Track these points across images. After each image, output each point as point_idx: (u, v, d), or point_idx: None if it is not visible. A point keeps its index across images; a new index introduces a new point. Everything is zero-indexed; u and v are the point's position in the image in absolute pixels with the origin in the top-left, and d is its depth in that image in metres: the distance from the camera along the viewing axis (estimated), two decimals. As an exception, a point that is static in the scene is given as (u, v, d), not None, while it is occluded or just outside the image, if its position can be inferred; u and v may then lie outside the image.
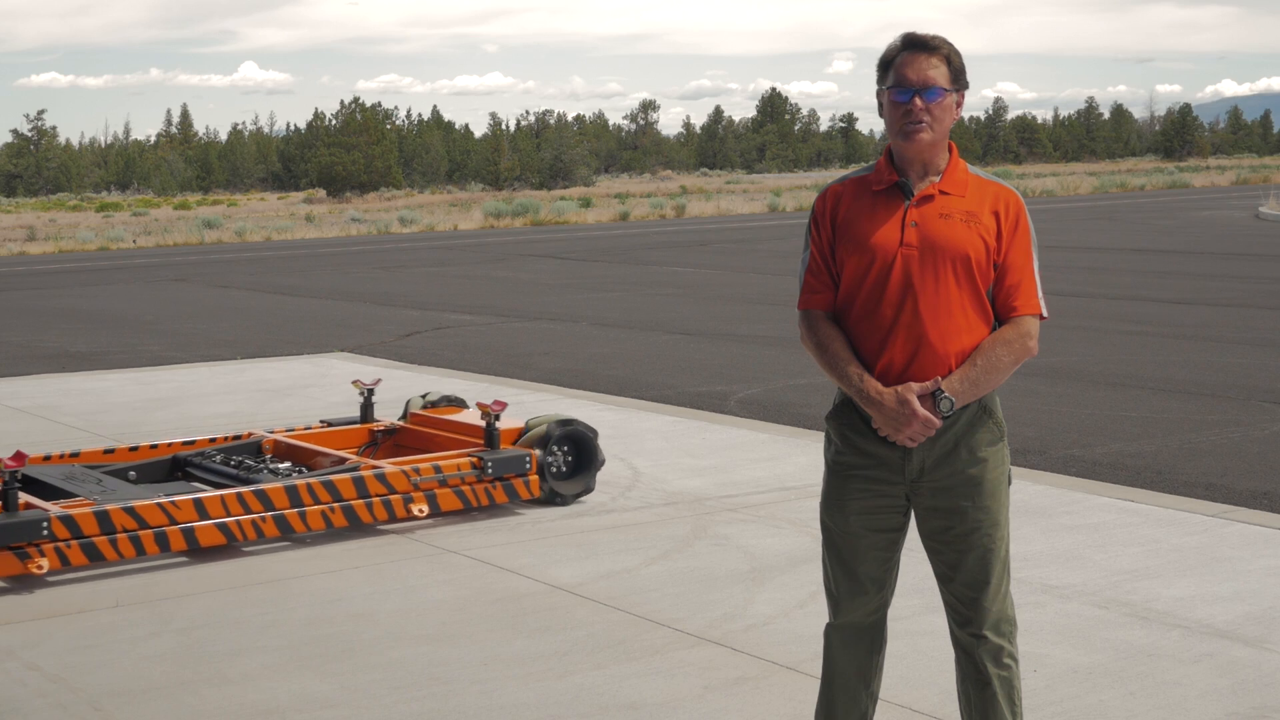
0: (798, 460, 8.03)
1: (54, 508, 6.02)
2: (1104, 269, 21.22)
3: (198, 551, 6.27)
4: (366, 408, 7.84)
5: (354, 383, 8.01)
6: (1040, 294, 3.40)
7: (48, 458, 7.14)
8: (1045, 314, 3.40)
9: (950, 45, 3.38)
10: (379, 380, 8.21)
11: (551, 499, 7.04)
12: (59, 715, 4.45)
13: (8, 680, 4.75)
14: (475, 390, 10.72)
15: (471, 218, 45.21)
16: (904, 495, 3.42)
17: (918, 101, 3.30)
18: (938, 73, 3.33)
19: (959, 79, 3.37)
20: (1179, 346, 12.88)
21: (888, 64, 3.38)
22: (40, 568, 5.77)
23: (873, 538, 3.45)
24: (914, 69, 3.32)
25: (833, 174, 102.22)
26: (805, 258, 3.51)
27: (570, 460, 7.13)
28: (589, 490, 7.16)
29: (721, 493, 7.28)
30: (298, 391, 10.98)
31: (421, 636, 5.14)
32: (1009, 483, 3.45)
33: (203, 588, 5.80)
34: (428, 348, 14.00)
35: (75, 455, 7.23)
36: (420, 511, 6.64)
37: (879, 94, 3.41)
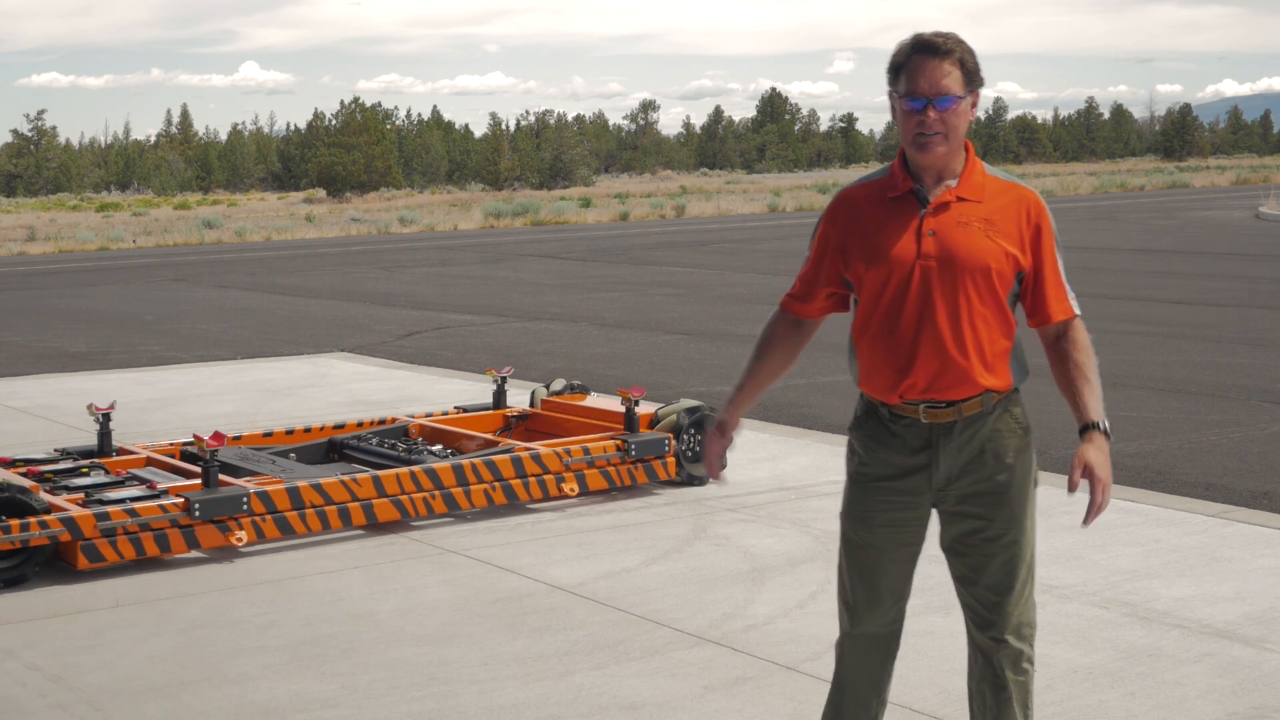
0: (798, 460, 8.04)
1: (251, 484, 6.37)
2: (1104, 269, 21.21)
3: (375, 526, 6.62)
4: (499, 394, 8.25)
5: (488, 370, 8.45)
6: (1070, 294, 3.34)
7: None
8: (1077, 312, 3.35)
9: (962, 45, 3.24)
10: (511, 370, 8.55)
11: (689, 481, 7.39)
12: (59, 715, 4.45)
13: (8, 680, 4.75)
14: (477, 390, 10.73)
15: (471, 218, 45.21)
16: (929, 505, 3.35)
17: (931, 112, 3.18)
18: (951, 79, 3.19)
19: (973, 80, 3.24)
20: (1179, 346, 12.88)
21: (898, 67, 3.25)
22: (240, 540, 6.16)
23: (896, 551, 3.39)
24: (926, 77, 3.18)
25: (832, 174, 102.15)
26: (805, 259, 3.46)
27: (700, 444, 7.36)
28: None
29: (721, 493, 7.28)
30: (298, 391, 10.99)
31: (421, 636, 5.14)
32: (1035, 485, 3.38)
33: (203, 588, 5.80)
34: (428, 348, 14.01)
35: (237, 439, 7.56)
36: (571, 490, 7.02)
37: (890, 95, 3.29)
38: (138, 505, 6.05)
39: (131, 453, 7.18)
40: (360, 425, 7.90)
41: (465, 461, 6.82)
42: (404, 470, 6.68)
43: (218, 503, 6.12)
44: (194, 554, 6.25)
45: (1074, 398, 3.31)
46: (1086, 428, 3.28)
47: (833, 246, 3.36)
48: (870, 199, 3.34)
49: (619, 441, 7.20)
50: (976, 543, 3.33)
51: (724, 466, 3.62)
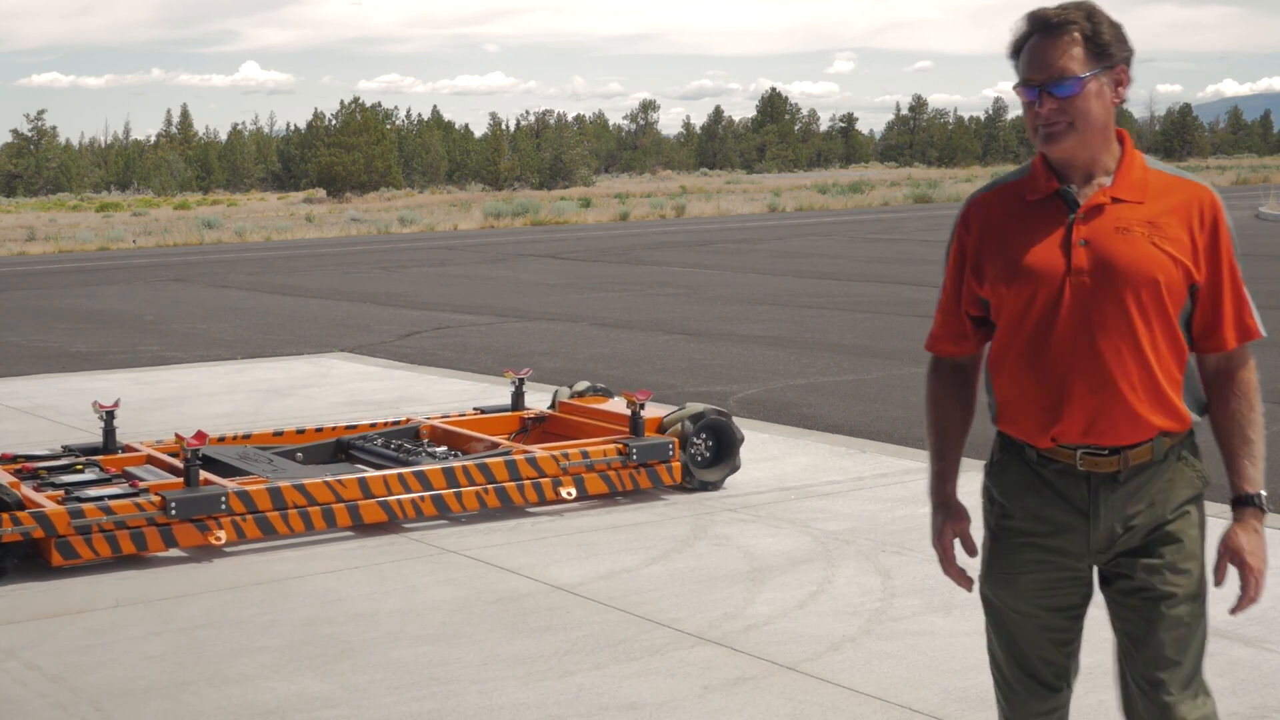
0: (798, 460, 8.04)
1: (231, 483, 6.39)
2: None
3: (361, 528, 6.60)
4: (518, 396, 8.12)
5: (506, 372, 8.38)
6: (1254, 310, 2.79)
7: (222, 439, 7.59)
8: (1263, 333, 2.81)
9: (1086, 14, 2.68)
10: (529, 371, 8.45)
11: (701, 487, 7.25)
12: (59, 715, 4.45)
13: (8, 680, 4.76)
14: (476, 390, 10.73)
15: (471, 218, 45.22)
16: (1088, 567, 2.82)
17: (1049, 101, 2.67)
18: (1069, 58, 2.65)
19: (1104, 53, 2.67)
20: (1179, 346, 12.87)
21: (1018, 50, 2.74)
22: (218, 539, 6.19)
23: (1051, 618, 2.83)
24: (1040, 59, 2.67)
25: (832, 174, 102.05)
26: (941, 286, 2.97)
27: (711, 448, 7.33)
28: (734, 471, 7.36)
29: (721, 493, 7.28)
30: (298, 391, 10.99)
31: (421, 636, 5.14)
32: (1204, 541, 2.80)
33: (203, 588, 5.80)
34: (428, 348, 14.01)
35: (247, 437, 7.60)
36: (568, 495, 6.91)
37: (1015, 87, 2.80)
38: (113, 503, 6.06)
39: (135, 450, 7.20)
40: (374, 425, 7.85)
41: (457, 464, 6.75)
42: (392, 473, 6.63)
43: (195, 501, 6.12)
44: (195, 554, 6.25)
45: (1228, 459, 2.78)
46: (1239, 501, 2.77)
47: (968, 262, 2.85)
48: (1006, 203, 2.82)
49: (620, 445, 7.08)
50: (1138, 603, 2.76)
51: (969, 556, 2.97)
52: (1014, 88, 2.76)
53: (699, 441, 7.29)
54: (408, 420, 7.95)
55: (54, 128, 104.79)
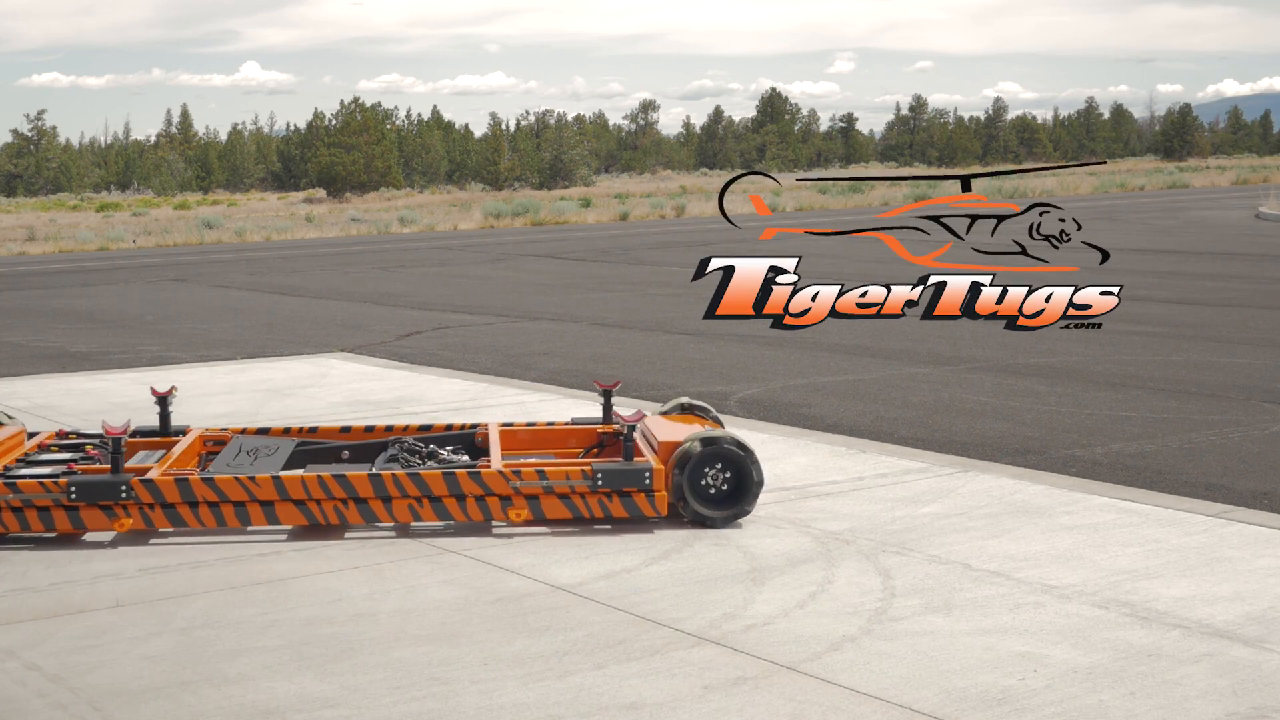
0: (798, 460, 8.04)
1: (154, 471, 6.55)
2: (1104, 269, 21.19)
3: (279, 528, 6.60)
4: (606, 409, 7.51)
5: (596, 382, 7.85)
6: None
7: (287, 431, 7.59)
8: None
9: None
10: (618, 383, 7.96)
11: (696, 520, 6.53)
12: (59, 715, 4.45)
13: (8, 680, 4.76)
14: (476, 390, 10.73)
15: (471, 218, 45.21)
16: None
17: None
18: None
19: None
20: (1179, 346, 12.88)
21: None
22: (123, 525, 6.39)
23: None
24: None
25: (833, 174, 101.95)
26: None
27: (729, 483, 6.56)
28: (740, 515, 6.58)
29: (721, 493, 7.26)
30: (298, 391, 10.99)
31: (421, 636, 5.14)
32: None
33: (203, 588, 5.80)
34: (428, 348, 14.01)
35: (313, 430, 7.60)
36: (517, 516, 6.45)
37: None
38: (21, 483, 6.37)
39: (185, 433, 7.46)
40: (449, 428, 7.55)
41: (386, 473, 6.49)
42: (311, 475, 6.49)
43: (95, 487, 6.36)
44: (193, 554, 6.26)
45: None
46: None
47: None
48: None
49: (587, 468, 6.51)
50: None
51: None
52: None
53: (716, 472, 6.56)
54: (483, 425, 7.52)
55: (54, 128, 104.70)
